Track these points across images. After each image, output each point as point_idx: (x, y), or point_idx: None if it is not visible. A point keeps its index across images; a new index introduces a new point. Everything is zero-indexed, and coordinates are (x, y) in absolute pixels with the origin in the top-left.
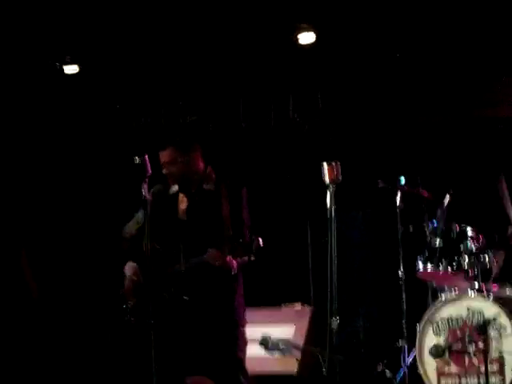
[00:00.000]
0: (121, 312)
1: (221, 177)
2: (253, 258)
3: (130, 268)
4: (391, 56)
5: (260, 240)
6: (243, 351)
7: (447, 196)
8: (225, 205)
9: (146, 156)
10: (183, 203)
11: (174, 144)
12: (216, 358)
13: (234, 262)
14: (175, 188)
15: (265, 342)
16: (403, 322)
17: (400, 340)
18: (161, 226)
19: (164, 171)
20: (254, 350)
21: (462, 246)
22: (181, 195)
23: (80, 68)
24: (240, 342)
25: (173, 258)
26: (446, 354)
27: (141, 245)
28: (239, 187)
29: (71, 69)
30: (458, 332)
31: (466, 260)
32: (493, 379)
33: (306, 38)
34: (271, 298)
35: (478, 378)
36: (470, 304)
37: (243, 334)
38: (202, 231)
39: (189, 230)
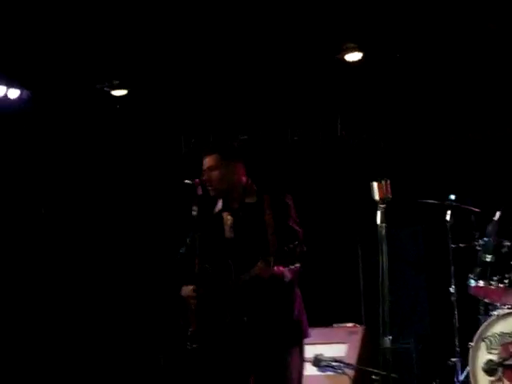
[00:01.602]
0: (183, 339)
1: (263, 188)
2: (298, 265)
3: (187, 291)
4: (441, 74)
5: (303, 246)
6: (298, 372)
7: (498, 212)
8: (267, 215)
9: (197, 180)
10: (228, 221)
11: (219, 150)
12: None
13: (285, 269)
14: (219, 207)
15: (317, 362)
16: (456, 339)
17: (453, 358)
18: (209, 246)
19: (204, 177)
20: (306, 369)
21: None
22: (225, 213)
23: (128, 91)
24: (295, 362)
25: (223, 277)
26: (500, 371)
27: (192, 266)
28: (282, 196)
29: (120, 92)
30: (511, 348)
31: None
32: None
33: (353, 56)
34: (323, 318)
35: None
36: None
37: (301, 351)
38: (249, 246)
39: (237, 247)
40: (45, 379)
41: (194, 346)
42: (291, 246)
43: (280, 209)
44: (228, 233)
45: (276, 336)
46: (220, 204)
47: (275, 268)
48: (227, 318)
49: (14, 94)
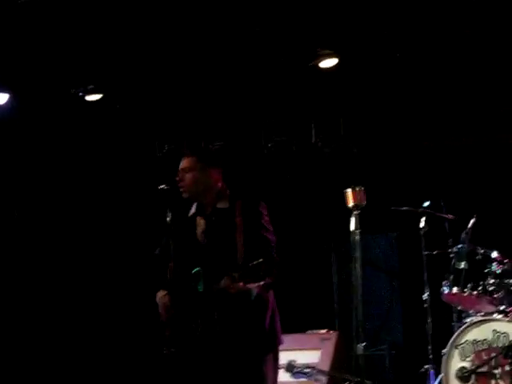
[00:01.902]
0: (160, 344)
1: (236, 194)
2: (262, 283)
3: (162, 297)
4: (413, 81)
5: (274, 255)
6: (273, 380)
7: (472, 219)
8: (238, 223)
9: (175, 183)
10: (201, 225)
11: (197, 153)
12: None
13: (252, 285)
14: (193, 210)
15: (290, 368)
16: (429, 346)
17: (426, 365)
18: (182, 250)
19: (178, 178)
20: (280, 376)
21: (487, 269)
22: (198, 217)
23: (103, 95)
24: (269, 369)
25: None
26: (473, 378)
27: (165, 270)
28: (256, 203)
29: (94, 97)
30: (484, 355)
31: (491, 282)
32: None
33: (328, 62)
34: (296, 324)
35: None
36: (496, 327)
37: (275, 359)
38: (219, 253)
39: (208, 253)
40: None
41: (171, 350)
42: (255, 262)
43: (252, 216)
44: (200, 237)
45: (248, 345)
46: (194, 208)
47: (241, 284)
48: (199, 326)
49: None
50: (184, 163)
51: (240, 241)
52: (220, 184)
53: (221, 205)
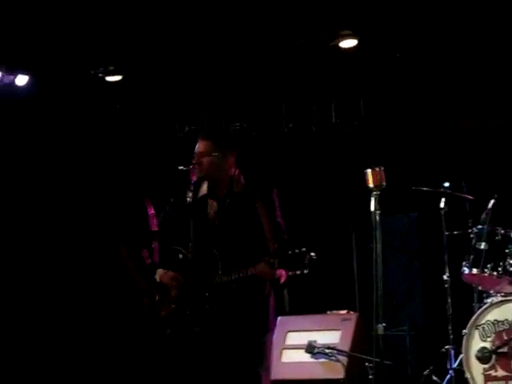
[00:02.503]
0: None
1: (251, 181)
2: (306, 271)
3: (164, 275)
4: (434, 61)
5: (312, 253)
6: (267, 366)
7: (492, 200)
8: (261, 212)
9: (191, 166)
10: (213, 208)
11: (214, 137)
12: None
13: (283, 272)
14: (203, 191)
15: (311, 348)
16: (449, 326)
17: (446, 345)
18: (189, 231)
19: (194, 161)
20: (300, 356)
21: (507, 249)
22: (210, 200)
23: (123, 77)
24: (264, 351)
25: (207, 266)
26: (493, 358)
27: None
28: (270, 191)
29: (114, 78)
30: (505, 335)
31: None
32: None
33: (348, 42)
34: (317, 305)
35: None
36: None
37: (269, 341)
38: (237, 237)
39: (222, 235)
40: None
41: (168, 330)
42: (298, 251)
43: (269, 205)
44: (212, 220)
45: (253, 328)
46: (205, 189)
47: (278, 271)
48: (209, 306)
49: (21, 80)
50: (200, 147)
51: (267, 227)
52: (234, 169)
53: (237, 189)
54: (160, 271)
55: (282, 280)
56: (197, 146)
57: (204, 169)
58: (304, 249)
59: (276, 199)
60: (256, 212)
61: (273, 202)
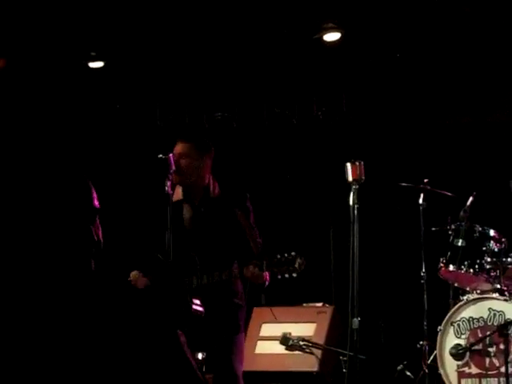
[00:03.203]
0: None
1: (226, 187)
2: (295, 275)
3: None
4: (416, 57)
5: (303, 259)
6: (240, 360)
7: (471, 197)
8: (241, 216)
9: (171, 154)
10: (188, 212)
11: (194, 141)
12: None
13: (267, 274)
14: (178, 196)
15: (285, 340)
16: (424, 322)
17: (421, 341)
18: (164, 234)
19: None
20: (274, 348)
21: (484, 247)
22: (185, 204)
23: (105, 63)
24: (237, 349)
25: (188, 271)
26: (467, 355)
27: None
28: (244, 196)
29: (96, 64)
30: (479, 333)
31: (488, 261)
32: None
33: (331, 36)
34: (292, 297)
35: (499, 380)
36: (492, 305)
37: (242, 340)
38: (216, 242)
39: (199, 240)
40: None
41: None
42: (287, 255)
43: (245, 211)
44: (187, 224)
45: (230, 321)
46: (179, 193)
47: (266, 273)
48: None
49: None
50: (180, 148)
51: (248, 231)
52: (209, 174)
53: (212, 195)
54: (134, 273)
55: (267, 283)
56: (176, 147)
57: (183, 172)
58: (293, 253)
59: (250, 205)
60: (235, 216)
61: (247, 207)
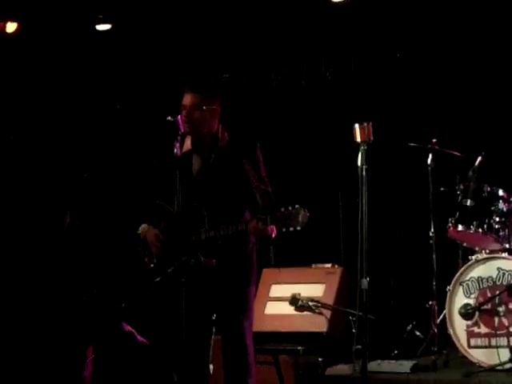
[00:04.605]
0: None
1: (235, 136)
2: (299, 228)
3: (148, 232)
4: (423, 18)
5: (306, 211)
6: (249, 317)
7: (479, 157)
8: (248, 168)
9: (179, 117)
10: (197, 163)
11: (203, 91)
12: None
13: (274, 228)
14: (187, 146)
15: (294, 301)
16: (433, 282)
17: (430, 300)
18: (174, 186)
19: (183, 113)
20: (283, 309)
21: (493, 207)
22: (194, 154)
23: (112, 26)
24: (247, 304)
25: (195, 223)
26: (476, 315)
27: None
28: (254, 145)
29: (103, 27)
30: (488, 292)
31: (497, 220)
32: None
33: None
34: (301, 258)
35: (508, 339)
36: (501, 264)
37: (252, 293)
38: (222, 193)
39: (207, 191)
40: None
41: (157, 279)
42: (291, 209)
43: (254, 160)
44: (197, 175)
45: (239, 280)
46: (188, 144)
47: (270, 227)
48: (194, 260)
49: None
50: (190, 100)
51: (254, 182)
52: (218, 123)
53: (221, 144)
54: (144, 226)
55: (273, 236)
56: (185, 99)
57: (195, 123)
58: (297, 206)
59: (260, 154)
60: (242, 167)
61: (257, 156)
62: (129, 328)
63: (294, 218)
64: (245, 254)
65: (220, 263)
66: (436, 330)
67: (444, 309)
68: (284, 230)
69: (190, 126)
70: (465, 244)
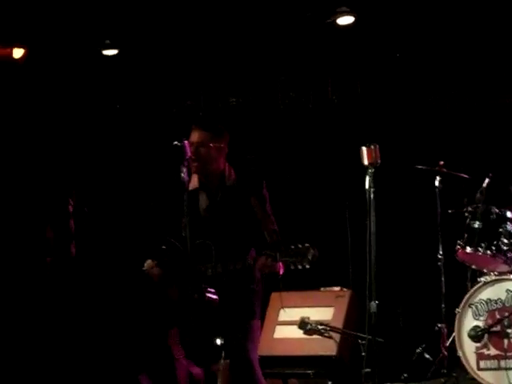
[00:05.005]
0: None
1: (242, 174)
2: (308, 267)
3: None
4: (430, 39)
5: (316, 250)
6: (255, 346)
7: (487, 179)
8: (257, 206)
9: (186, 141)
10: (204, 201)
11: (211, 129)
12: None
13: (281, 264)
14: (194, 184)
15: (303, 325)
16: (442, 304)
17: (439, 323)
18: (180, 222)
19: (191, 152)
20: (292, 332)
21: (501, 228)
22: (201, 192)
23: (119, 51)
24: (252, 335)
25: (204, 259)
26: (485, 337)
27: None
28: (261, 183)
29: (111, 52)
30: (497, 314)
31: (506, 242)
32: None
33: (345, 19)
34: (310, 282)
35: None
36: (510, 286)
37: (257, 326)
38: (231, 230)
39: (214, 228)
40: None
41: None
42: (301, 246)
43: (261, 198)
44: (203, 213)
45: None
46: (195, 181)
47: (279, 264)
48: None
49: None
50: (197, 137)
51: (262, 219)
52: (225, 161)
53: (228, 182)
54: (149, 262)
55: (281, 272)
56: (192, 136)
57: (202, 160)
58: (307, 244)
59: (266, 192)
60: (249, 205)
61: (264, 194)
62: None
63: (303, 255)
64: (250, 289)
65: (224, 298)
66: (445, 353)
67: (453, 331)
68: (293, 267)
69: (196, 163)
70: (473, 266)
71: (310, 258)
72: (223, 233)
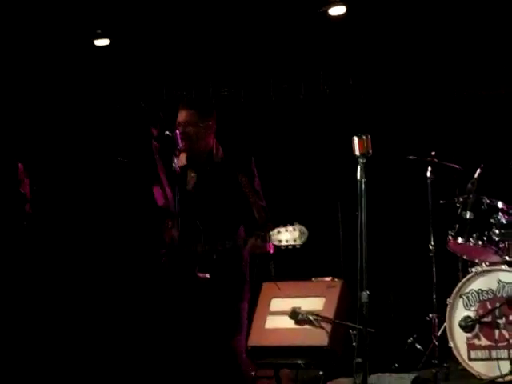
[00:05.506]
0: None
1: (230, 151)
2: (298, 246)
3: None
4: (422, 30)
5: (306, 231)
6: (243, 329)
7: (478, 169)
8: (245, 184)
9: (177, 131)
10: (192, 178)
11: (198, 108)
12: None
13: (271, 244)
14: (182, 162)
15: (295, 315)
16: (434, 295)
17: (430, 313)
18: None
19: (179, 131)
20: (284, 323)
21: (492, 219)
22: (189, 170)
23: (111, 41)
24: (241, 320)
25: (192, 238)
26: (476, 327)
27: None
28: (249, 160)
29: (102, 42)
30: (488, 305)
31: (497, 233)
32: None
33: (337, 10)
34: (301, 272)
35: (509, 351)
36: (501, 277)
37: (245, 309)
38: (219, 207)
39: (202, 206)
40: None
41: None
42: (293, 225)
43: (249, 175)
44: (192, 190)
45: (233, 295)
46: (183, 159)
47: (269, 244)
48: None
49: None
50: (184, 116)
51: (251, 197)
52: (213, 139)
53: (216, 159)
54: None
55: (271, 252)
56: (179, 115)
57: (191, 139)
58: (297, 224)
59: (254, 168)
60: (237, 182)
61: (252, 171)
62: None
63: (293, 235)
64: (239, 270)
65: (214, 278)
66: (436, 343)
67: (444, 321)
68: (283, 247)
69: (185, 142)
70: (465, 256)
71: (299, 237)
72: (211, 209)
